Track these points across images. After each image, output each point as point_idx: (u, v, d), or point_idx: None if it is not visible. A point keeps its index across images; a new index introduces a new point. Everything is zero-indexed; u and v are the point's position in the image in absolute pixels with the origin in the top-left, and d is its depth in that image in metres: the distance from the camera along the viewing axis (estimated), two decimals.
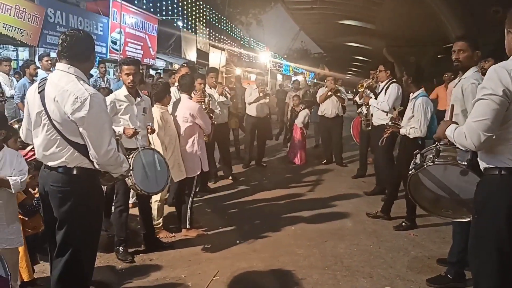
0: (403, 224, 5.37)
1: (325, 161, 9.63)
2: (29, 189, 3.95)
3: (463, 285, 3.86)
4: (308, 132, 10.80)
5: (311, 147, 11.78)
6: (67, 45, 2.87)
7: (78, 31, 2.99)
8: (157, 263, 4.35)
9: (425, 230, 5.32)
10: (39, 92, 2.87)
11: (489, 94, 2.30)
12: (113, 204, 4.73)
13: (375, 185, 7.17)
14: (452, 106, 3.23)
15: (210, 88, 7.29)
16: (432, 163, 3.08)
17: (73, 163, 2.86)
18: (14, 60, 12.52)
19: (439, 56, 25.13)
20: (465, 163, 2.85)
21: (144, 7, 20.53)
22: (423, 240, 5.04)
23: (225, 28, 30.99)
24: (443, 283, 3.90)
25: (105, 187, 4.33)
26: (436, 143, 3.11)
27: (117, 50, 15.72)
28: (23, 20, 11.54)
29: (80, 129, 2.76)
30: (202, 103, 5.70)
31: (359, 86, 7.84)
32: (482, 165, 2.54)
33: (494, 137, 2.32)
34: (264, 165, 9.33)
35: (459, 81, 3.69)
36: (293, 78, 29.66)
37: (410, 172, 3.28)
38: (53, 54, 11.99)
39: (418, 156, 3.25)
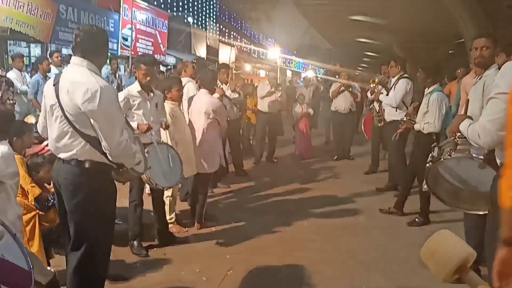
0: (416, 220, 5.35)
1: (336, 157, 9.57)
2: (44, 183, 4.01)
3: None
4: (317, 129, 10.76)
5: (322, 143, 11.75)
6: (80, 40, 2.91)
7: (92, 27, 3.04)
8: (171, 258, 4.37)
9: (439, 226, 5.25)
10: (54, 85, 2.92)
11: (500, 92, 2.28)
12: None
13: (387, 181, 7.13)
14: (467, 101, 3.20)
15: (222, 84, 7.29)
16: (449, 157, 3.06)
17: (84, 156, 2.88)
18: (27, 56, 12.62)
19: (450, 51, 24.86)
20: (482, 157, 2.83)
21: (155, 3, 20.59)
22: None
23: (234, 24, 30.98)
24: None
25: None
26: (456, 135, 3.09)
27: (128, 47, 15.79)
28: (36, 16, 11.64)
29: (91, 120, 2.78)
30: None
31: (371, 81, 7.79)
32: (498, 159, 2.52)
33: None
34: (275, 161, 9.32)
35: (479, 78, 3.64)
36: (303, 75, 29.50)
37: (427, 165, 3.26)
38: (65, 50, 12.09)
39: (436, 149, 3.23)
